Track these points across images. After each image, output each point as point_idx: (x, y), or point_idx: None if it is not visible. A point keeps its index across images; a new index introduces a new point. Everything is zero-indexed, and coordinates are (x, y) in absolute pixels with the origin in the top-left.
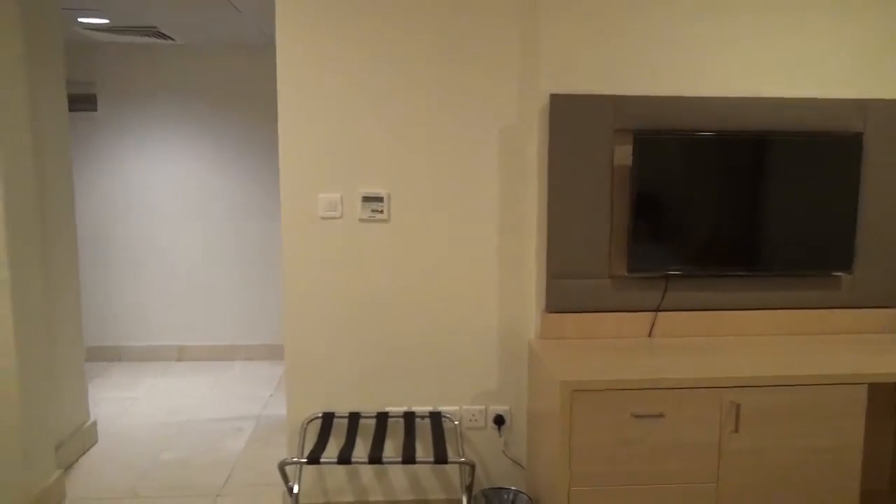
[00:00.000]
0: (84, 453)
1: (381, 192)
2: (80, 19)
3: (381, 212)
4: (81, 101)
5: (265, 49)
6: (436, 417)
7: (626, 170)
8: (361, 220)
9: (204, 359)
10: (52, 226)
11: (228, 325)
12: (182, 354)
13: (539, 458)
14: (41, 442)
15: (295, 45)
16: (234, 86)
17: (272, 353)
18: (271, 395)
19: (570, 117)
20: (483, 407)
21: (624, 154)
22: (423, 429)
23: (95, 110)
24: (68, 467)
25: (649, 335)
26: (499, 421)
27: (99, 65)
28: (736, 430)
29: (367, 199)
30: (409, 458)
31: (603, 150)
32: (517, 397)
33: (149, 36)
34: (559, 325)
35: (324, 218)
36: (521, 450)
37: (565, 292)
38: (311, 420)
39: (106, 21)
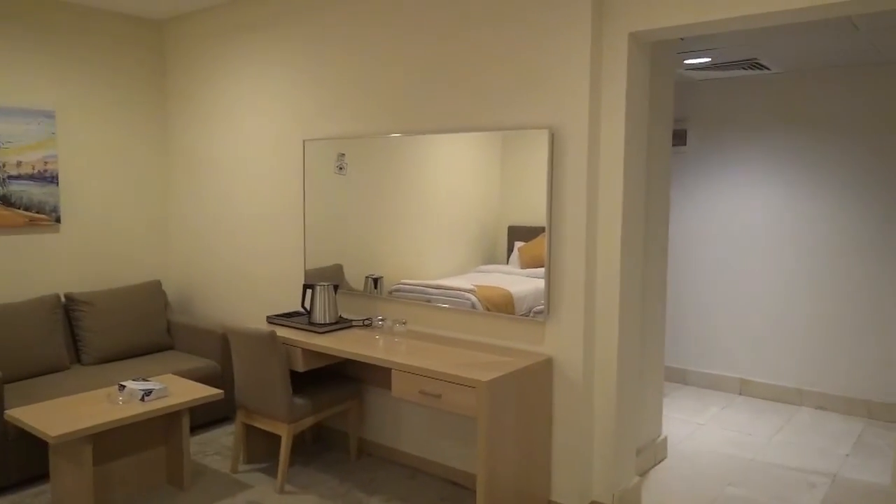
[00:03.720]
0: (655, 465)
1: None
2: (685, 61)
3: None
4: (674, 137)
5: (879, 68)
6: None
7: None
8: None
9: (767, 398)
10: (651, 252)
11: (798, 367)
12: (744, 388)
13: None
14: (626, 446)
15: None
16: (837, 110)
17: (849, 406)
18: (848, 455)
19: None
20: None
21: None
22: None
23: (685, 145)
24: (643, 474)
25: None
26: None
27: (690, 102)
28: None
29: None
30: None
31: None
32: None
33: (744, 68)
34: None
35: None
36: None
37: None
38: None
39: (708, 59)
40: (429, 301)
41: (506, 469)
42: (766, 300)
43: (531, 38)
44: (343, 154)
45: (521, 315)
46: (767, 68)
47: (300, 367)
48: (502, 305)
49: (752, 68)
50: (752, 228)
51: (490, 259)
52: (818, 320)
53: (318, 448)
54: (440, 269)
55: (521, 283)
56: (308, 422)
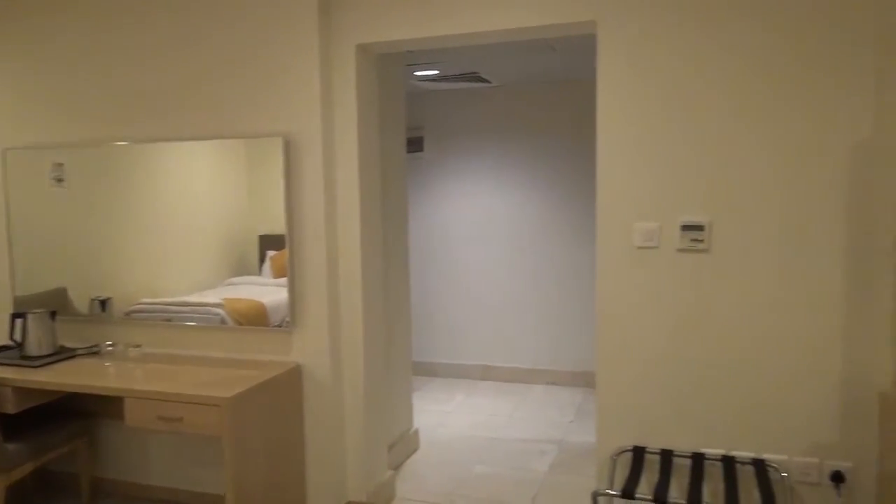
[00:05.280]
0: (408, 457)
1: (702, 220)
2: (415, 73)
3: (702, 241)
4: (412, 144)
5: (574, 84)
6: (759, 466)
7: None
8: (680, 251)
9: (507, 380)
10: (392, 254)
11: (531, 349)
12: (487, 374)
13: None
14: (378, 443)
15: (614, 78)
16: (544, 120)
17: (572, 379)
18: (571, 422)
19: None
20: (817, 460)
21: None
22: (745, 477)
23: (422, 151)
24: (397, 468)
25: None
26: (837, 478)
27: (425, 111)
28: None
29: (686, 227)
30: None
31: None
32: (863, 454)
33: (469, 81)
34: None
35: (640, 247)
36: None
37: None
38: (621, 452)
39: (436, 72)
40: (170, 320)
41: (257, 484)
42: (500, 291)
43: (262, 47)
44: (61, 164)
45: (276, 325)
46: (489, 82)
47: (11, 409)
48: (255, 317)
49: (475, 81)
50: (484, 226)
51: (242, 270)
52: (543, 305)
53: (43, 496)
54: (187, 285)
55: (275, 293)
56: (26, 468)
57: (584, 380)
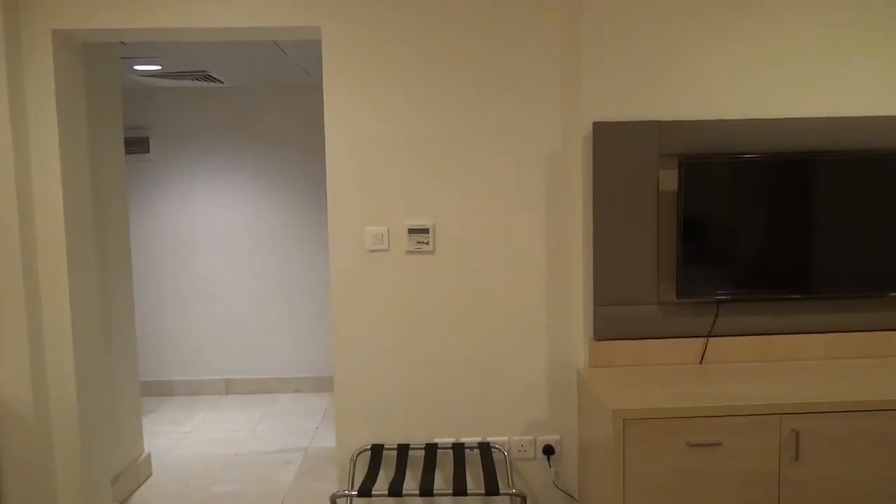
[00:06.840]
0: (139, 486)
1: (427, 223)
2: (135, 66)
3: (427, 243)
4: (135, 144)
5: (309, 89)
6: (485, 448)
7: (673, 195)
8: (408, 252)
9: (252, 392)
10: (110, 264)
11: (275, 358)
12: (230, 388)
13: (592, 489)
14: (99, 475)
15: (340, 85)
16: (279, 125)
17: (318, 385)
18: (317, 428)
19: (613, 144)
20: (532, 437)
21: (669, 179)
22: (473, 460)
23: (148, 152)
24: (124, 500)
25: (700, 362)
26: (548, 451)
27: (151, 109)
28: (796, 459)
29: (412, 231)
30: (459, 489)
31: (648, 176)
32: (567, 427)
33: (198, 80)
34: (608, 353)
35: (371, 251)
36: (573, 480)
37: (613, 320)
38: (361, 452)
39: (158, 67)
40: None
41: None
42: (239, 299)
43: None
44: None
45: None
46: (221, 81)
47: None
48: None
49: (206, 80)
50: (220, 232)
51: None
52: (284, 312)
53: None
54: None
55: None
56: None
57: (328, 384)
